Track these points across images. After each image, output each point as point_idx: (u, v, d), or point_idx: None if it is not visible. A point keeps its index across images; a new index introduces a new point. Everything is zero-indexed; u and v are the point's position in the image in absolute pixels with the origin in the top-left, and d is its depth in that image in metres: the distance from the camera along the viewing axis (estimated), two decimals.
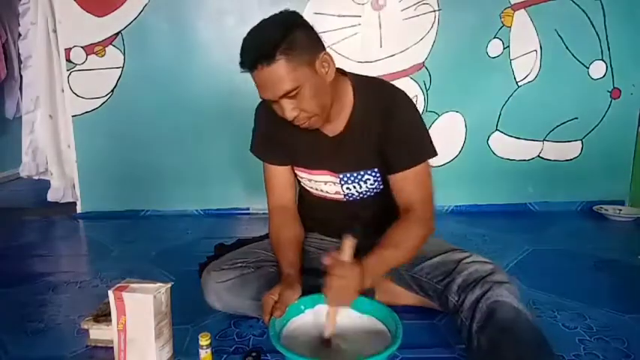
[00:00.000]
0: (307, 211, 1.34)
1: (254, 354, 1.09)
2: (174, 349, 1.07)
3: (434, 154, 1.13)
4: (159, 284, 0.99)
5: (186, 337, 1.19)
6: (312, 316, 1.04)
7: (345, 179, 1.21)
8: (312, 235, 1.37)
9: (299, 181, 1.31)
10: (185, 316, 1.27)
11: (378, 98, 1.13)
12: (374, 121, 1.12)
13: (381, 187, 1.22)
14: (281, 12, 1.03)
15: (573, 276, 1.62)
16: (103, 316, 1.18)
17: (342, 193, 1.23)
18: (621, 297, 1.46)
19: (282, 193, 1.28)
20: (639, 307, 1.35)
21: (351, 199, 1.24)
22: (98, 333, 1.16)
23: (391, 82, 1.20)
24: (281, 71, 0.97)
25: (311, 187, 1.28)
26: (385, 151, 1.13)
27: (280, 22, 1.01)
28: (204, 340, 1.03)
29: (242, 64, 1.02)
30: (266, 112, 1.18)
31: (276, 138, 1.22)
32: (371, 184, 1.22)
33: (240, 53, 1.02)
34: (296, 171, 1.27)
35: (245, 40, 1.02)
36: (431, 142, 1.14)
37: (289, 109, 1.03)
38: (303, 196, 1.34)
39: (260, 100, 1.23)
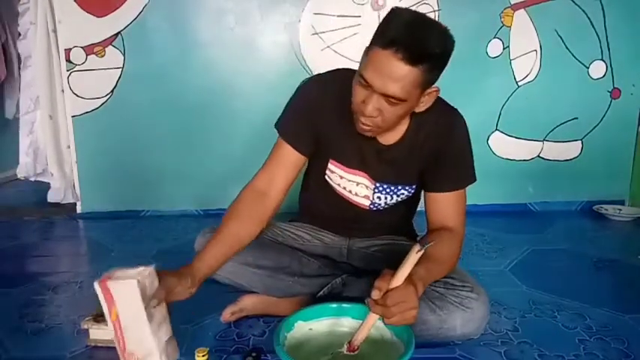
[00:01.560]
0: (318, 205, 1.31)
1: (254, 354, 1.09)
2: (172, 328, 1.06)
3: (475, 180, 1.14)
4: (141, 268, 0.96)
5: (186, 337, 1.19)
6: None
7: (381, 189, 1.18)
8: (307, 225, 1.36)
9: (325, 175, 1.22)
10: (185, 316, 1.27)
11: (437, 115, 1.10)
12: (429, 139, 1.10)
13: (409, 201, 1.22)
14: (447, 28, 0.91)
15: (573, 276, 1.62)
16: (102, 315, 1.17)
17: (370, 199, 1.20)
18: (621, 297, 1.46)
19: (276, 177, 1.13)
20: (639, 307, 1.35)
21: (374, 208, 1.22)
22: (98, 333, 1.16)
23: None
24: (408, 78, 0.89)
25: (338, 185, 1.22)
26: (433, 170, 1.12)
27: (444, 40, 0.91)
28: (200, 357, 1.04)
29: (382, 36, 0.89)
30: (320, 95, 1.11)
31: (317, 124, 1.12)
32: (402, 199, 1.20)
33: (388, 24, 0.90)
34: (330, 164, 1.20)
35: (402, 18, 0.90)
36: (474, 167, 1.15)
37: (373, 108, 0.94)
38: (320, 190, 1.26)
39: (310, 77, 1.17)
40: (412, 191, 1.19)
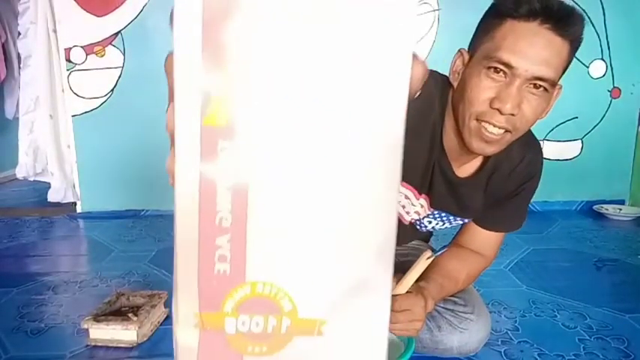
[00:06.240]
0: None
1: None
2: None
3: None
4: None
5: None
6: None
7: (436, 215, 1.01)
8: None
9: None
10: None
11: (524, 149, 0.91)
12: (512, 177, 0.93)
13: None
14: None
15: (573, 276, 1.62)
16: (102, 315, 1.18)
17: (415, 221, 1.04)
18: (621, 297, 1.46)
19: None
20: (639, 306, 1.35)
21: (417, 225, 1.07)
22: (98, 333, 1.16)
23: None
24: (561, 54, 0.71)
25: None
26: (494, 206, 0.96)
27: (583, 17, 0.73)
28: None
29: (518, 5, 0.70)
30: (436, 98, 0.86)
31: (424, 116, 0.85)
32: (452, 226, 1.06)
33: None
34: (401, 186, 1.02)
35: None
36: None
37: (515, 103, 0.72)
38: None
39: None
40: (465, 221, 1.03)
